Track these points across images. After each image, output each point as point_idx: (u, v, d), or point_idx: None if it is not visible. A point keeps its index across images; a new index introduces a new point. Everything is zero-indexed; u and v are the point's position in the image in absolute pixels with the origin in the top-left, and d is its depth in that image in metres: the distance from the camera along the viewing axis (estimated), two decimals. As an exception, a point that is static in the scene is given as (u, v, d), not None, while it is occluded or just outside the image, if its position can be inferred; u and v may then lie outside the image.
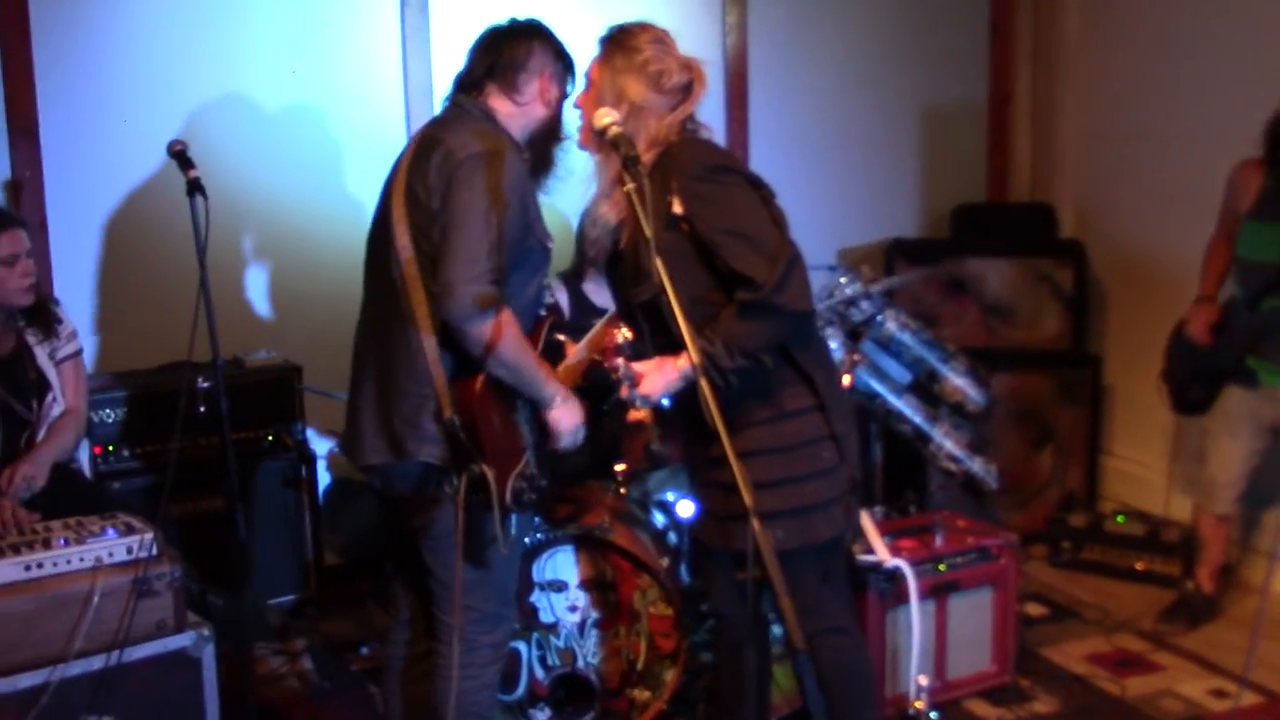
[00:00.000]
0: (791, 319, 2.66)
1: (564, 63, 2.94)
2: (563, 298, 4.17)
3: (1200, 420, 4.33)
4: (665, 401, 2.74)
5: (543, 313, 2.96)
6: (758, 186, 2.73)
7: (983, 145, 5.81)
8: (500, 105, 2.84)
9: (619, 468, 3.81)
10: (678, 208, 2.64)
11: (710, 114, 5.00)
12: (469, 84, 2.87)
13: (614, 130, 2.44)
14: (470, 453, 2.62)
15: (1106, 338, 5.46)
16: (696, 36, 5.09)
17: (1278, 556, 4.29)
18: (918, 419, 4.22)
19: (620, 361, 2.68)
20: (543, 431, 2.82)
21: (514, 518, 2.74)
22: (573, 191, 4.55)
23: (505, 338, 2.61)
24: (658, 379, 2.68)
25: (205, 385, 3.72)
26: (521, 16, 2.97)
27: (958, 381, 4.34)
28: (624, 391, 2.68)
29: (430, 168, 2.68)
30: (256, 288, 4.51)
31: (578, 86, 2.95)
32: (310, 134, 4.45)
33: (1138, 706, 3.80)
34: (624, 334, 2.81)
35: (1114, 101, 5.38)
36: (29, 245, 3.46)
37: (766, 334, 2.64)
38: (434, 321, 2.65)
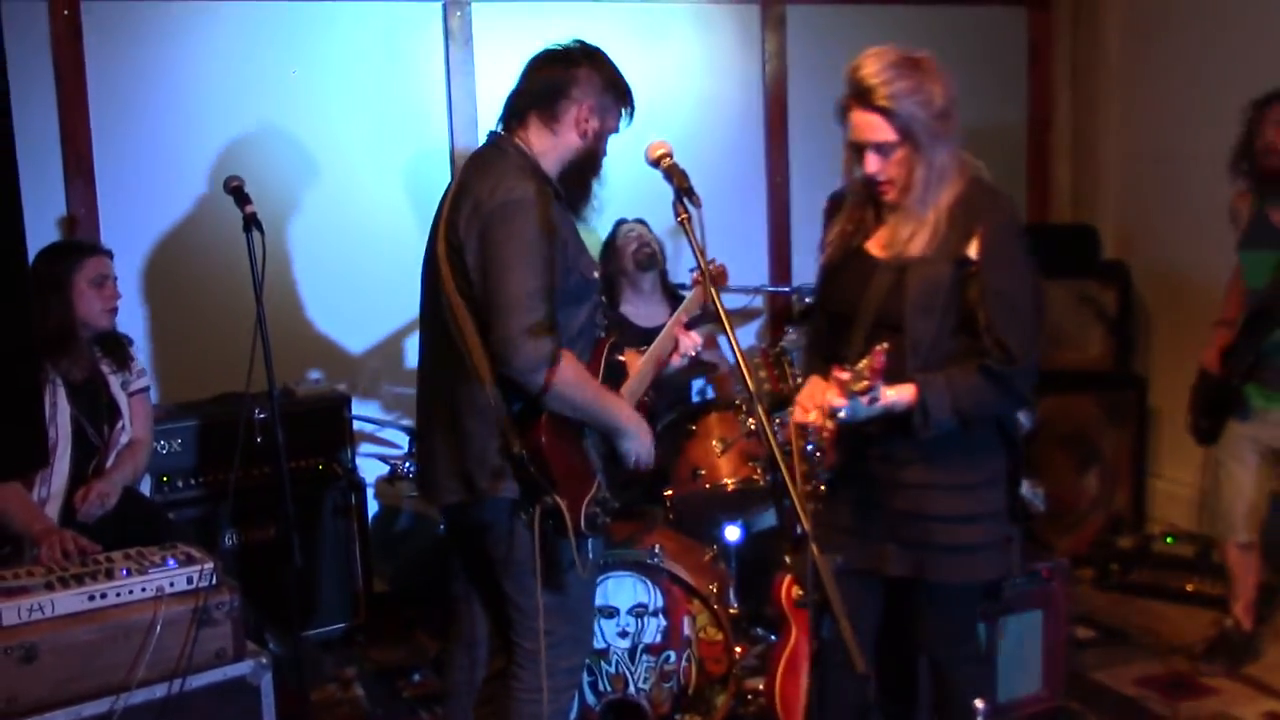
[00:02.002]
0: (1016, 403, 2.71)
1: (614, 95, 2.85)
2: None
3: (1214, 451, 4.26)
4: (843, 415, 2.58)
5: (601, 334, 2.93)
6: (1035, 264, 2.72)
7: (1023, 167, 5.82)
8: (538, 138, 2.80)
9: (668, 492, 3.83)
10: (973, 252, 2.60)
11: (750, 139, 5.19)
12: (511, 113, 2.84)
13: (667, 162, 2.47)
14: (541, 484, 2.64)
15: (1151, 359, 5.44)
16: (736, 63, 5.14)
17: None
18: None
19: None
20: (613, 454, 2.85)
21: (589, 541, 2.76)
22: (610, 220, 4.67)
23: (564, 381, 2.62)
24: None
25: (261, 416, 3.77)
26: (578, 40, 2.89)
27: (1002, 404, 4.33)
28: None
29: (461, 217, 2.70)
30: (306, 317, 4.57)
31: (628, 122, 2.90)
32: (358, 167, 4.52)
33: (1191, 730, 3.78)
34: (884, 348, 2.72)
35: (1155, 123, 5.38)
36: (114, 272, 3.63)
37: (990, 404, 2.65)
38: (491, 366, 2.67)
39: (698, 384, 4.66)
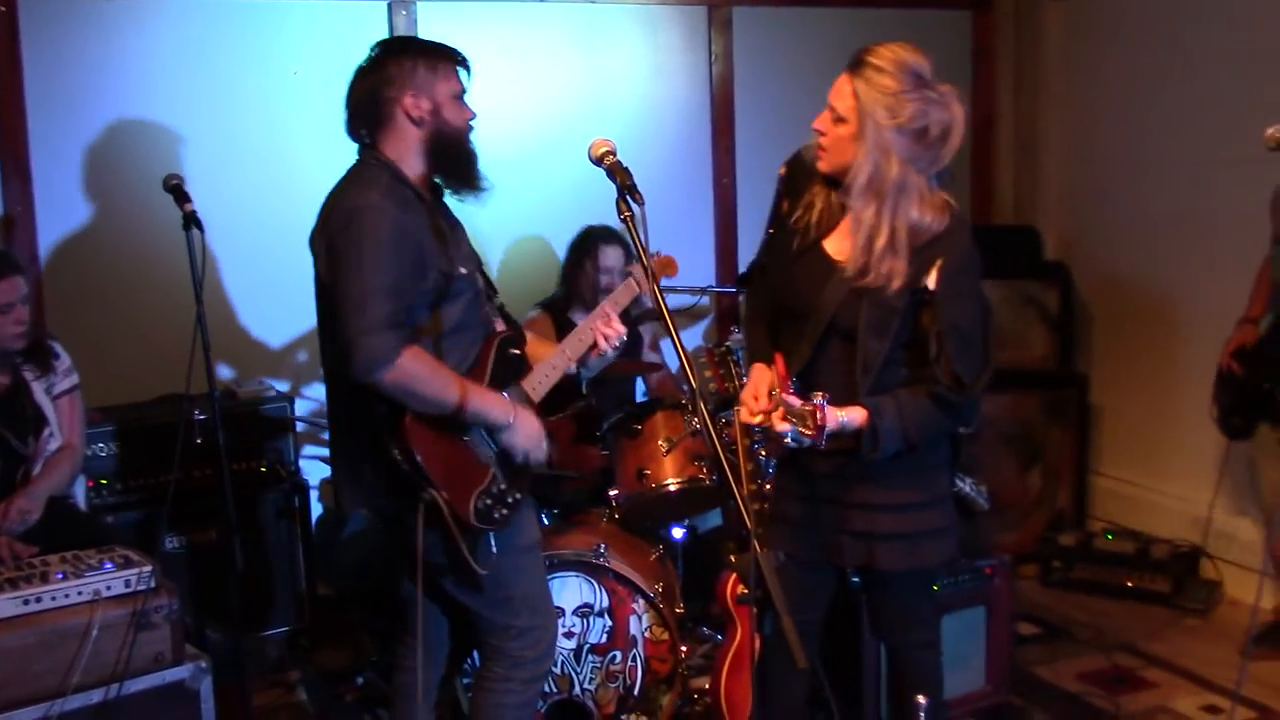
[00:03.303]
0: (963, 424, 2.78)
1: (426, 65, 2.80)
2: (545, 328, 4.19)
3: (1247, 447, 4.29)
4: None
5: (493, 330, 2.95)
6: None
7: (966, 169, 5.86)
8: (386, 146, 2.81)
9: (613, 493, 3.83)
10: (931, 284, 2.61)
11: (697, 140, 5.19)
12: (355, 136, 2.87)
13: (610, 160, 2.46)
14: (418, 482, 2.67)
15: (1092, 358, 5.51)
16: (682, 64, 5.15)
17: (1266, 573, 4.32)
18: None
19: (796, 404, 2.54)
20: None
21: (490, 535, 2.78)
22: (555, 221, 4.66)
23: (407, 375, 2.63)
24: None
25: (202, 418, 3.72)
26: (377, 43, 2.89)
27: (947, 403, 4.36)
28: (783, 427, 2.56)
29: (314, 234, 2.78)
30: (247, 319, 4.52)
31: (466, 74, 2.87)
32: (302, 167, 4.47)
33: (1132, 724, 3.83)
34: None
35: (1096, 125, 5.45)
36: (25, 291, 3.45)
37: (938, 428, 2.71)
38: None
39: (643, 384, 4.67)
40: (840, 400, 2.61)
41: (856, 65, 2.62)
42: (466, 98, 2.87)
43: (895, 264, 2.59)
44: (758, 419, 2.63)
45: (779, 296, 2.82)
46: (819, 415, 2.46)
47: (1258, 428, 4.12)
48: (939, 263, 2.61)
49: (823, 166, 2.68)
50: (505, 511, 2.78)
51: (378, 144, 2.82)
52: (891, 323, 2.64)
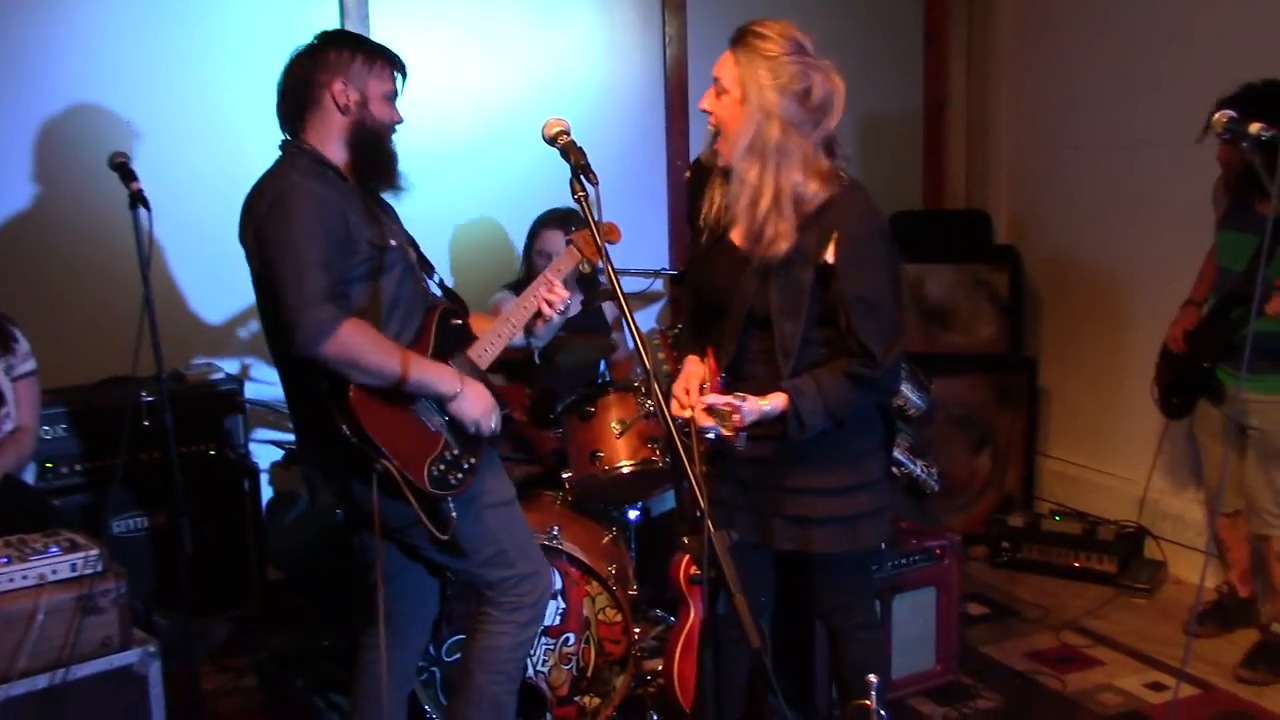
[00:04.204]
0: (886, 396, 2.86)
1: (363, 59, 2.83)
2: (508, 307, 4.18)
3: (1186, 426, 4.35)
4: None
5: (433, 301, 2.97)
6: (897, 261, 2.77)
7: (919, 153, 5.90)
8: (312, 132, 2.83)
9: (566, 475, 3.83)
10: (830, 257, 2.64)
11: (651, 122, 5.18)
12: (284, 122, 2.88)
13: (564, 139, 2.45)
14: (369, 453, 2.68)
15: (1041, 341, 5.57)
16: (636, 46, 5.13)
17: (1211, 553, 4.40)
18: (860, 423, 4.27)
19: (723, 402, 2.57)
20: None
21: (450, 501, 2.80)
22: (511, 203, 4.64)
23: (346, 345, 2.63)
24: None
25: (149, 400, 3.68)
26: (318, 33, 2.90)
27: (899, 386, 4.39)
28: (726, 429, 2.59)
29: (241, 228, 2.81)
30: (196, 300, 4.46)
31: (402, 80, 2.91)
32: (250, 147, 4.38)
33: (1078, 701, 3.88)
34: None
35: (1047, 110, 5.50)
36: None
37: (860, 403, 2.73)
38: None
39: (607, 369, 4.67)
40: (766, 388, 2.65)
41: (739, 37, 2.68)
42: (398, 102, 2.91)
43: (780, 226, 2.63)
44: (687, 413, 2.64)
45: (701, 294, 2.88)
46: (736, 416, 2.52)
47: (1196, 406, 4.18)
48: (835, 235, 2.64)
49: (719, 158, 2.72)
50: (461, 476, 2.80)
51: (302, 130, 2.84)
52: (801, 303, 2.67)
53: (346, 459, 2.74)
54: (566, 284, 3.07)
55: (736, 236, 2.76)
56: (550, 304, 3.02)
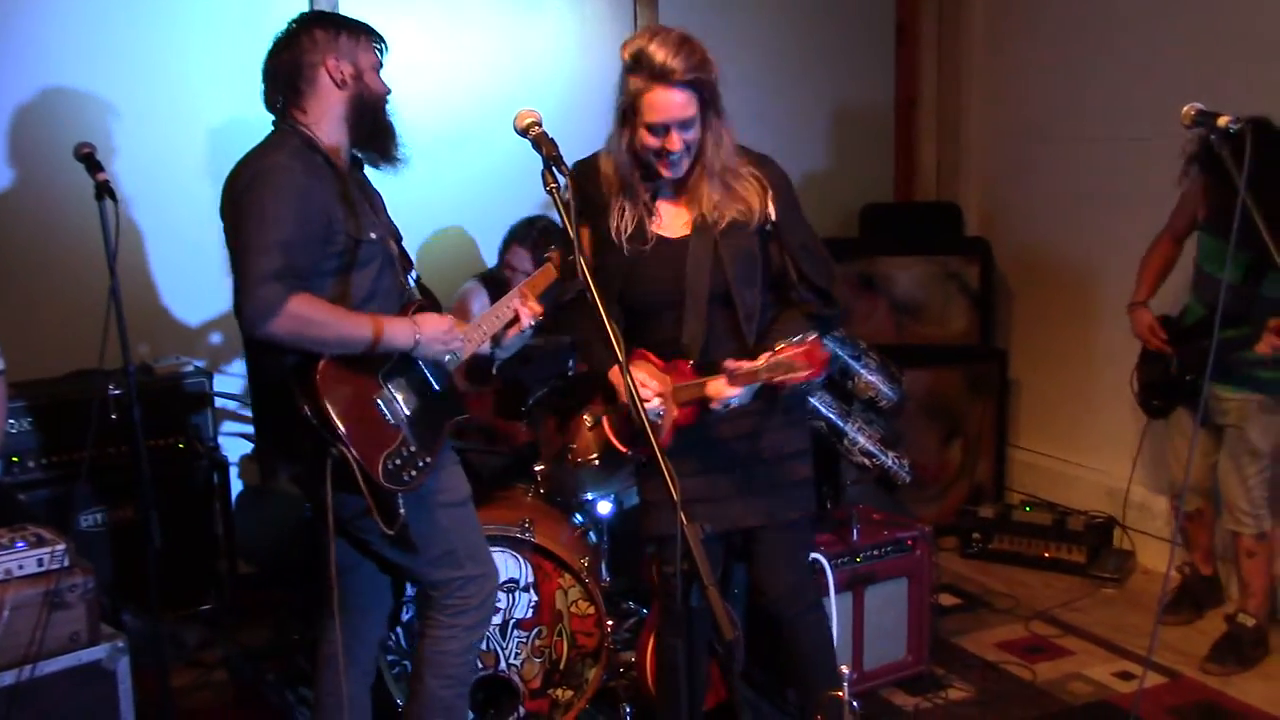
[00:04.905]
0: (839, 329, 2.96)
1: (347, 34, 2.84)
2: (482, 299, 4.16)
3: (1161, 424, 4.37)
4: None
5: (411, 299, 2.96)
6: None
7: (890, 146, 5.92)
8: (305, 112, 2.82)
9: (538, 468, 3.82)
10: (773, 214, 2.78)
11: (623, 115, 5.15)
12: (274, 107, 2.87)
13: (535, 130, 2.44)
14: (327, 438, 2.66)
15: (1011, 333, 5.60)
16: (608, 38, 5.11)
17: (1177, 543, 4.43)
18: (832, 415, 4.28)
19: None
20: (433, 402, 2.86)
21: (399, 497, 2.77)
22: (483, 196, 4.63)
23: (295, 317, 2.61)
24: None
25: (116, 393, 3.64)
26: (294, 18, 2.88)
27: (870, 378, 4.41)
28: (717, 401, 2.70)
29: (222, 201, 2.78)
30: (167, 294, 4.43)
31: (383, 52, 2.89)
32: (218, 139, 4.38)
33: (1048, 690, 3.91)
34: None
35: (1017, 102, 5.52)
36: None
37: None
38: None
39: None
40: (736, 355, 2.74)
41: (664, 74, 2.64)
42: (382, 73, 2.90)
43: (742, 189, 2.78)
44: (656, 402, 2.71)
45: (638, 297, 2.86)
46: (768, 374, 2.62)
47: (1175, 410, 4.21)
48: (769, 193, 2.79)
49: (677, 175, 2.77)
50: (415, 474, 2.77)
51: (295, 110, 2.82)
52: (755, 269, 2.81)
53: (303, 442, 2.71)
54: (542, 299, 3.06)
55: (668, 231, 2.82)
56: (525, 321, 3.00)
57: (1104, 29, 5.02)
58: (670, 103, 2.65)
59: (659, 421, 2.73)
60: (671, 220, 2.83)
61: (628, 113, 2.70)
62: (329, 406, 2.65)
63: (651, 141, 2.70)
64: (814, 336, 2.63)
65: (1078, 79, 5.16)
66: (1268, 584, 4.12)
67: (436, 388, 2.90)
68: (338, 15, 2.97)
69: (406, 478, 2.76)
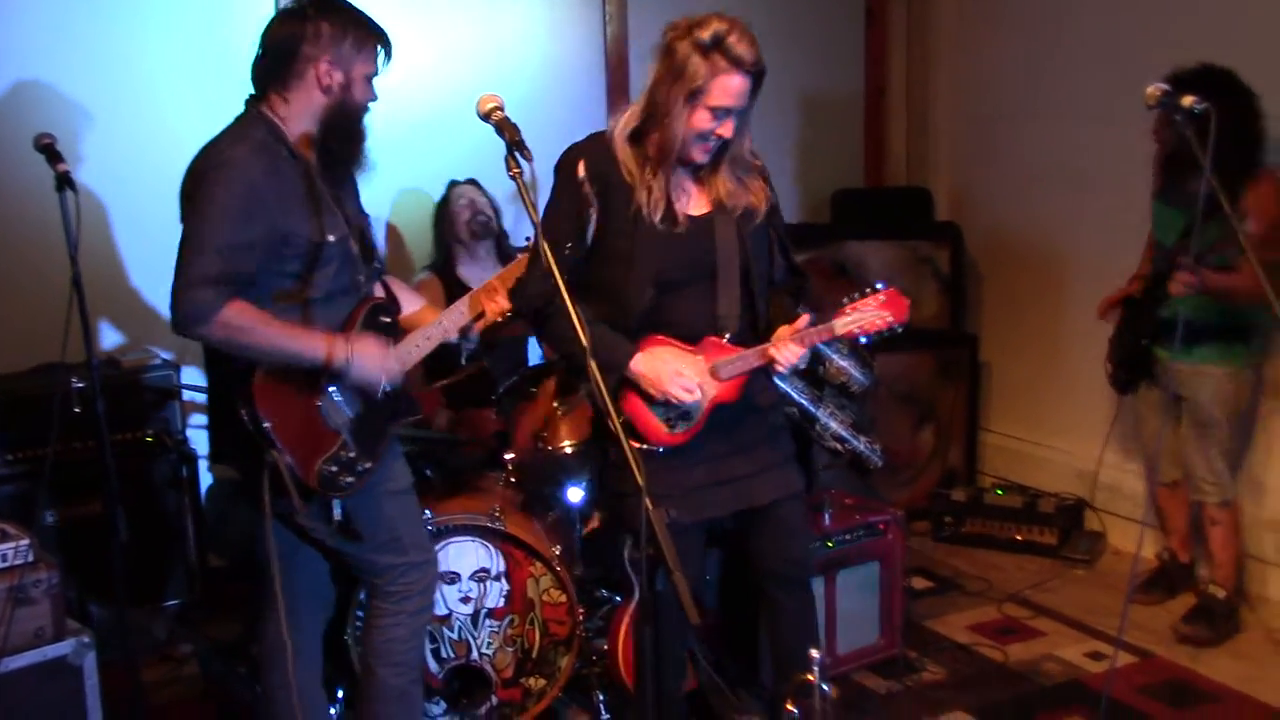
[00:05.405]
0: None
1: (354, 39, 2.75)
2: (434, 290, 4.15)
3: (1131, 400, 4.41)
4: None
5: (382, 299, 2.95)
6: None
7: (860, 131, 5.92)
8: (283, 103, 2.75)
9: (509, 456, 3.80)
10: (771, 203, 2.92)
11: (592, 101, 5.15)
12: (255, 82, 2.79)
13: (498, 115, 2.42)
14: (262, 442, 2.66)
15: (982, 317, 5.62)
16: (577, 25, 5.10)
17: (1149, 524, 4.46)
18: (803, 400, 4.26)
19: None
20: (376, 406, 2.84)
21: (336, 502, 2.78)
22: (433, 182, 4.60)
23: (227, 327, 2.60)
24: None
25: (80, 386, 3.60)
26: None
27: (841, 363, 4.38)
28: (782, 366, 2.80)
29: (182, 184, 2.75)
30: (133, 286, 4.38)
31: (386, 59, 2.84)
32: (181, 131, 4.32)
33: (1020, 672, 3.92)
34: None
35: (986, 87, 5.53)
36: None
37: None
38: None
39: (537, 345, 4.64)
40: (747, 336, 2.88)
41: (741, 61, 2.68)
42: (377, 79, 2.84)
43: (751, 181, 2.90)
44: (696, 395, 2.79)
45: (671, 275, 2.84)
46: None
47: (1140, 384, 4.24)
48: (765, 179, 2.95)
49: (696, 158, 2.80)
50: (352, 480, 2.77)
51: (271, 95, 2.76)
52: (762, 245, 2.92)
53: (241, 444, 2.71)
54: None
55: (693, 209, 2.85)
56: (491, 315, 3.00)
57: (1069, 15, 5.03)
58: (739, 90, 2.70)
59: (701, 407, 2.82)
60: (694, 201, 2.88)
61: (696, 92, 2.69)
62: (263, 412, 2.66)
63: (707, 124, 2.72)
64: (890, 287, 2.86)
65: (1047, 62, 5.17)
66: (1234, 555, 4.16)
67: (384, 388, 2.87)
68: (354, 13, 2.82)
69: (343, 483, 2.75)
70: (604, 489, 3.02)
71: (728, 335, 2.86)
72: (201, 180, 2.64)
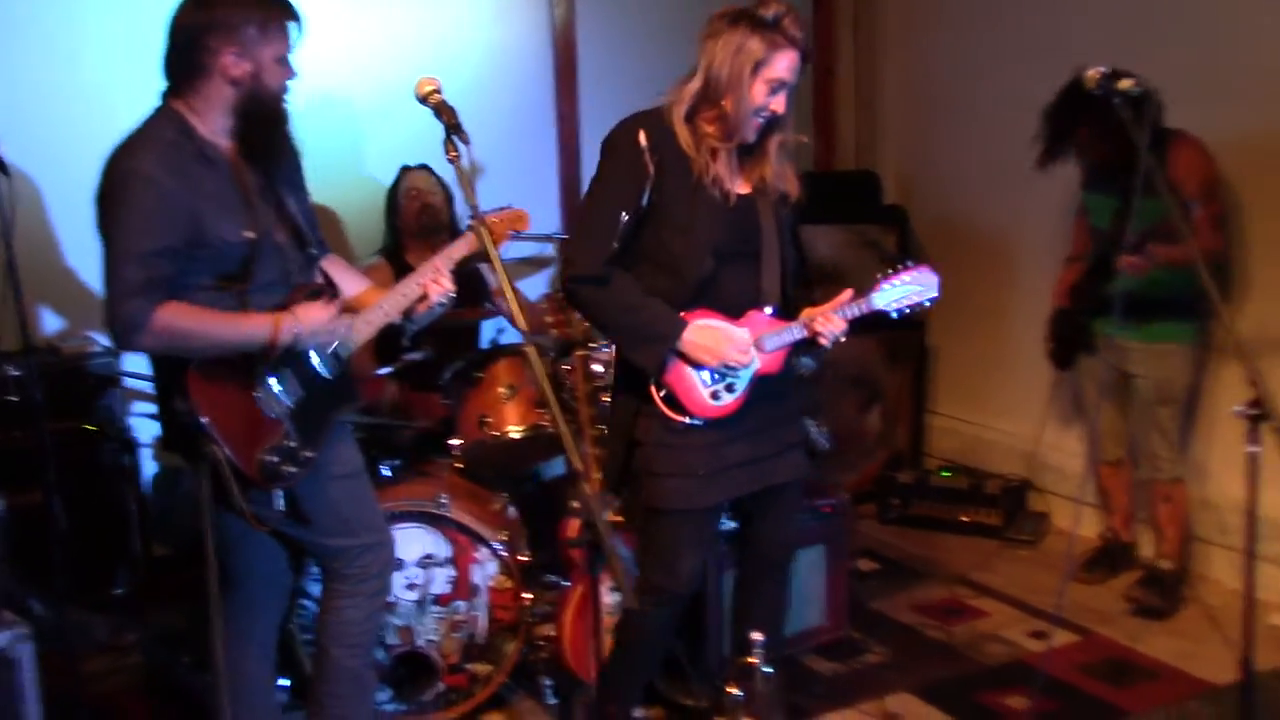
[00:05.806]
0: None
1: (258, 22, 2.65)
2: (384, 274, 4.12)
3: (1072, 377, 4.48)
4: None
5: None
6: None
7: (809, 115, 5.92)
8: (192, 99, 2.70)
9: (455, 442, 3.80)
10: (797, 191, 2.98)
11: (539, 86, 5.13)
12: (166, 78, 2.73)
13: (435, 98, 2.42)
14: (200, 435, 2.64)
15: (929, 300, 5.64)
16: (524, 9, 5.07)
17: (1086, 502, 4.52)
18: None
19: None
20: (325, 398, 2.83)
21: (279, 495, 2.76)
22: (395, 168, 4.57)
23: (165, 329, 2.59)
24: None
25: (16, 374, 3.55)
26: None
27: (789, 346, 4.43)
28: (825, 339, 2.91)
29: (97, 189, 2.70)
30: (69, 271, 4.32)
31: (298, 32, 2.74)
32: (121, 113, 4.27)
33: (963, 651, 3.97)
34: None
35: (932, 72, 5.56)
36: None
37: None
38: None
39: (490, 329, 4.63)
40: (780, 310, 2.96)
41: (797, 40, 2.77)
42: (292, 55, 2.75)
43: (790, 167, 2.98)
44: (753, 355, 2.87)
45: (726, 248, 2.88)
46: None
47: (1077, 358, 4.29)
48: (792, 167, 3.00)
49: (744, 136, 2.84)
50: (294, 469, 2.75)
51: (181, 90, 2.70)
52: (789, 230, 3.00)
53: (179, 434, 2.70)
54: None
55: (741, 188, 2.92)
56: (434, 296, 2.94)
57: (1011, 5, 5.06)
58: (794, 64, 2.78)
59: (751, 375, 2.89)
60: (737, 181, 2.93)
61: (758, 65, 2.75)
62: (200, 406, 2.64)
63: (763, 97, 2.77)
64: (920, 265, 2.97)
65: (994, 48, 5.20)
66: (1181, 531, 4.23)
67: (326, 376, 2.85)
68: None
69: (285, 473, 2.74)
70: (626, 470, 2.98)
71: (770, 309, 2.92)
72: (109, 192, 2.61)
